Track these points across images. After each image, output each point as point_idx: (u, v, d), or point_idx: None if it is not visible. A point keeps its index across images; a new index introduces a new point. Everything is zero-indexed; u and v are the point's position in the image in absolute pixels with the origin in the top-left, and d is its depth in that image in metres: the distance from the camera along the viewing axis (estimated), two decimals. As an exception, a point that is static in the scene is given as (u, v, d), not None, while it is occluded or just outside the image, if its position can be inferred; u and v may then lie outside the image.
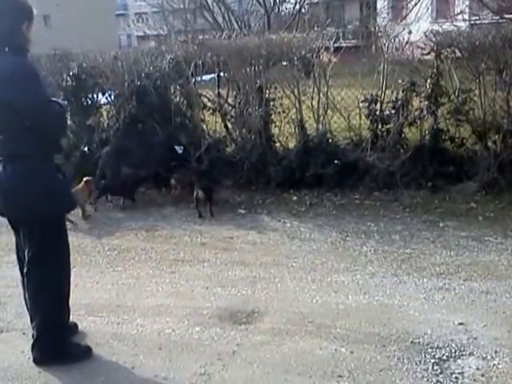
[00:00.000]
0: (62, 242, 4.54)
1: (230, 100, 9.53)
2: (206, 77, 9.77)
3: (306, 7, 24.58)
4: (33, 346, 4.54)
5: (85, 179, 8.24)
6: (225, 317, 5.19)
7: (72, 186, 4.53)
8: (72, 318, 4.88)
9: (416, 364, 4.30)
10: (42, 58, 10.34)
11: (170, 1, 31.65)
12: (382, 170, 8.26)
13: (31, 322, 4.54)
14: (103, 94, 9.93)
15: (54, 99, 4.46)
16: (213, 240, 7.21)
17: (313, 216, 7.88)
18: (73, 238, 7.14)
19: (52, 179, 4.37)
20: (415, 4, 21.45)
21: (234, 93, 9.42)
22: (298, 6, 24.63)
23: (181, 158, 8.82)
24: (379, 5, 28.89)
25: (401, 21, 19.31)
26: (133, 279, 6.14)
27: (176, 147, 8.87)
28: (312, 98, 8.96)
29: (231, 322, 5.09)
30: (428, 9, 22.51)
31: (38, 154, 4.25)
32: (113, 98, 9.80)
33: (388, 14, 26.15)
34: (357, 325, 4.94)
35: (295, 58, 8.83)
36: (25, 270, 4.45)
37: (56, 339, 4.53)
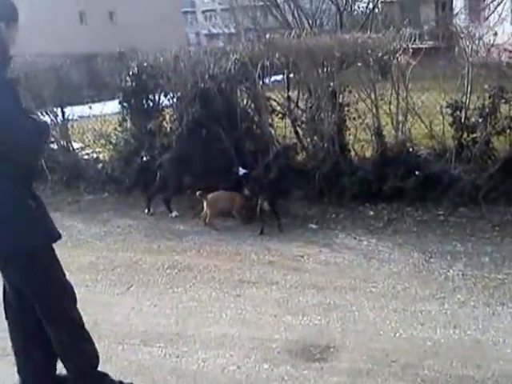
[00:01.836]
0: (52, 281, 3.85)
1: (300, 104, 9.09)
2: (275, 78, 9.34)
3: (380, 6, 24.03)
4: None
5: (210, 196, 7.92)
6: (296, 352, 4.72)
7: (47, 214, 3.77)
8: (127, 348, 4.62)
9: (519, 419, 3.72)
10: (99, 57, 10.03)
11: (238, -1, 31.59)
12: (467, 183, 7.68)
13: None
14: (165, 96, 9.52)
15: (32, 116, 3.78)
16: (281, 258, 6.74)
17: (392, 233, 7.36)
18: (130, 254, 6.92)
19: (23, 209, 3.65)
20: (498, 4, 20.73)
21: (305, 96, 8.97)
22: (371, 5, 24.13)
23: (240, 180, 8.27)
24: (457, 5, 28.06)
25: (483, 22, 18.64)
26: (194, 302, 5.72)
27: (240, 168, 8.36)
28: (390, 103, 8.41)
29: (303, 359, 4.62)
30: (510, 10, 21.75)
31: (4, 179, 3.58)
32: (175, 100, 9.40)
33: (466, 15, 25.40)
34: (447, 365, 4.43)
35: (371, 60, 8.32)
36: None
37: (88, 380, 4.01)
